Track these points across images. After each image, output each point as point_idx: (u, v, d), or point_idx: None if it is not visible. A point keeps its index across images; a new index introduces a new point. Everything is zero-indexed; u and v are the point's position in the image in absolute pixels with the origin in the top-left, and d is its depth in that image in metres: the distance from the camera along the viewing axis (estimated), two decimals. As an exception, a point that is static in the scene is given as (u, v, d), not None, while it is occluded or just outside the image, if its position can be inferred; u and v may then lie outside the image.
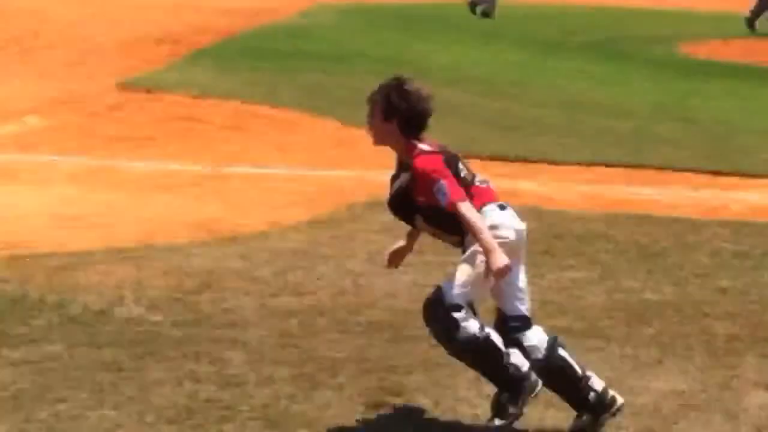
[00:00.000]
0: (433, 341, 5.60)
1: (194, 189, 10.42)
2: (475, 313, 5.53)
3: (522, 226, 5.70)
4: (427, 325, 5.56)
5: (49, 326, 6.74)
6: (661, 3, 25.20)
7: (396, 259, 5.93)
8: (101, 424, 5.50)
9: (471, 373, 5.77)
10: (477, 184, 5.69)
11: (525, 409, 5.50)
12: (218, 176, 10.90)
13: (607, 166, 11.74)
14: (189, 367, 6.17)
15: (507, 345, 5.55)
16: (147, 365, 6.11)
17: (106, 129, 12.61)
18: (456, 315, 5.47)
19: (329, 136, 12.48)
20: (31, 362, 6.20)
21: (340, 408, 5.76)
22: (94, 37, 18.26)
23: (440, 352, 5.66)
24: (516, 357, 5.55)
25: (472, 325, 5.47)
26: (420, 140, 5.67)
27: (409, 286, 7.56)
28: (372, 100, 5.72)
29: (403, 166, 5.70)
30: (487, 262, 5.38)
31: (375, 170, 10.99)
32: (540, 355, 5.60)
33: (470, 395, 5.94)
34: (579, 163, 11.81)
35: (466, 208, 5.48)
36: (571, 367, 5.66)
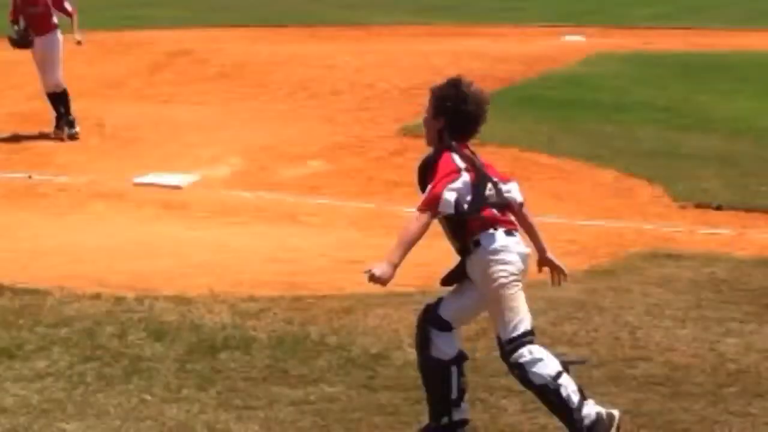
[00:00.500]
0: (710, 398, 5.45)
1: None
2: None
3: (526, 250, 5.79)
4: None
5: (329, 367, 6.89)
6: None
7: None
8: (377, 466, 5.57)
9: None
10: (494, 209, 5.76)
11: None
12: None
13: None
14: (464, 414, 6.17)
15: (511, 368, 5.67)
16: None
17: (387, 174, 12.86)
18: (433, 331, 5.70)
19: (607, 185, 12.36)
20: (310, 402, 6.35)
21: (615, 463, 5.66)
22: (378, 83, 18.73)
23: (720, 410, 5.49)
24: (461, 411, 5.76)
25: (443, 349, 5.65)
26: (460, 149, 5.78)
27: (687, 341, 7.38)
28: (430, 96, 5.81)
29: None
30: (375, 265, 5.65)
31: (654, 222, 10.83)
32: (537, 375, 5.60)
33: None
34: None
35: (415, 217, 5.70)
36: (564, 396, 5.59)
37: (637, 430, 6.06)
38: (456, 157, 5.78)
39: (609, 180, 12.48)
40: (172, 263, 9.23)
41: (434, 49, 22.40)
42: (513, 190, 5.95)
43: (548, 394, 5.62)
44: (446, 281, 6.03)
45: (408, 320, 7.77)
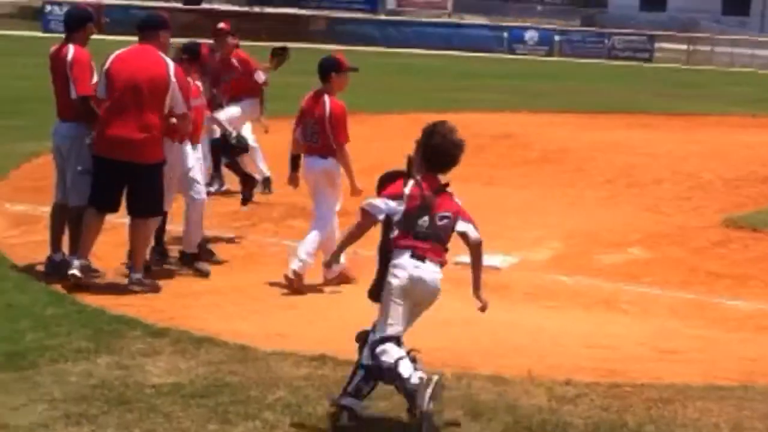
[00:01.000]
0: None
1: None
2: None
3: (421, 275, 7.07)
4: None
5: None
6: None
7: None
8: None
9: None
10: (417, 237, 7.08)
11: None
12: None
13: None
14: None
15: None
16: None
17: (709, 265, 12.60)
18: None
19: None
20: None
21: None
22: (701, 173, 18.43)
23: None
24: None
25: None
26: (422, 181, 7.17)
27: None
28: None
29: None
30: None
31: None
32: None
33: None
34: None
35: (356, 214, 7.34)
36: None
37: None
38: (409, 185, 7.15)
39: None
40: (490, 343, 9.33)
41: (762, 141, 21.86)
42: (468, 230, 7.39)
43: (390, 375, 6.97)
44: (372, 294, 7.34)
45: (729, 414, 7.57)
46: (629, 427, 7.25)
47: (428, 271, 7.15)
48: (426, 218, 7.12)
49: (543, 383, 8.17)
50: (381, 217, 7.15)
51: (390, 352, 7.05)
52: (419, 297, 7.20)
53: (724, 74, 49.04)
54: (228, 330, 9.12)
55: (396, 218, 7.11)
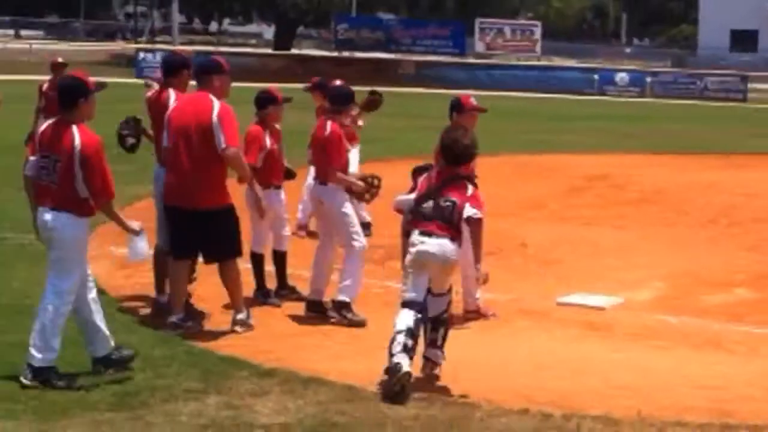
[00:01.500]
0: None
1: None
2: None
3: (425, 248, 8.75)
4: None
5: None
6: None
7: None
8: None
9: None
10: (426, 220, 8.83)
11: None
12: None
13: None
14: None
15: None
16: None
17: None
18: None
19: None
20: None
21: None
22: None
23: None
24: None
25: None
26: (440, 171, 9.07)
27: None
28: None
29: None
30: None
31: None
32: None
33: None
34: None
35: None
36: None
37: None
38: (421, 179, 9.13)
39: None
40: (598, 383, 9.24)
41: None
42: (466, 210, 8.77)
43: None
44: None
45: None
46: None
47: (433, 244, 8.77)
48: (430, 203, 8.85)
49: (654, 423, 8.10)
50: (399, 207, 9.26)
51: (399, 319, 8.76)
52: (431, 266, 8.83)
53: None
54: (335, 370, 9.15)
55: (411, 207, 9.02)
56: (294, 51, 74.16)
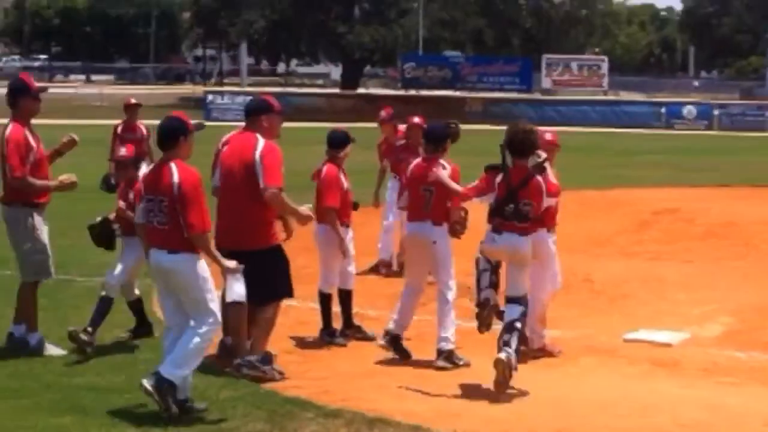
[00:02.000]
0: None
1: None
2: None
3: (494, 246, 10.18)
4: None
5: None
6: None
7: None
8: None
9: None
10: (502, 217, 10.05)
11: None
12: None
13: None
14: None
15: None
16: None
17: None
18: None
19: None
20: None
21: None
22: None
23: None
24: None
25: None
26: (511, 167, 10.11)
27: None
28: None
29: None
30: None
31: None
32: None
33: None
34: None
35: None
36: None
37: None
38: (498, 178, 10.17)
39: None
40: (666, 421, 9.14)
41: None
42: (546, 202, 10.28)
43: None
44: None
45: None
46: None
47: (505, 240, 10.00)
48: (511, 206, 9.97)
49: (726, 461, 8.01)
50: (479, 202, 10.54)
51: (481, 279, 10.38)
52: (509, 260, 10.19)
53: None
54: (400, 410, 9.14)
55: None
56: (361, 90, 74.52)
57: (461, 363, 10.71)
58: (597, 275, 15.18)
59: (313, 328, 11.83)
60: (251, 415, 8.93)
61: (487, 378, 9.89)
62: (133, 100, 19.86)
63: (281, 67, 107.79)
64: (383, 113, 15.93)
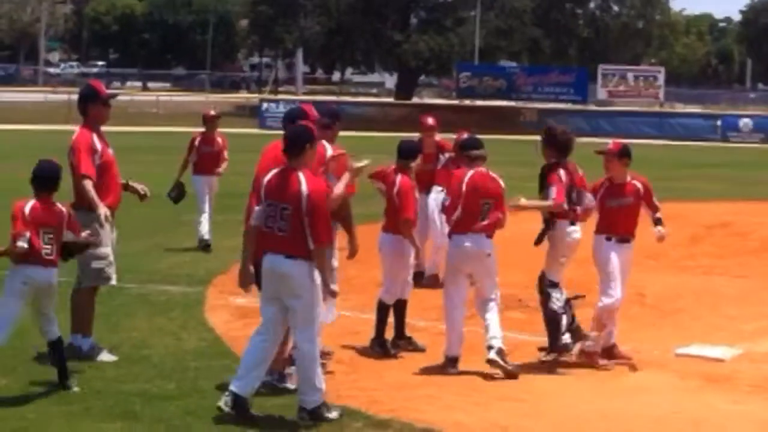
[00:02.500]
0: None
1: None
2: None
3: (569, 238, 11.28)
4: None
5: None
6: None
7: None
8: None
9: None
10: (578, 210, 11.29)
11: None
12: None
13: None
14: None
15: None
16: None
17: None
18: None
19: None
20: None
21: None
22: None
23: None
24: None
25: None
26: (563, 165, 11.24)
27: None
28: None
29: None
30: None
31: None
32: None
33: None
34: None
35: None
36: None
37: None
38: (561, 173, 11.12)
39: None
40: (717, 436, 9.09)
41: None
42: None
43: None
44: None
45: None
46: None
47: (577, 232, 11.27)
48: (575, 195, 11.17)
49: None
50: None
51: (554, 295, 11.14)
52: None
53: None
54: (449, 421, 9.14)
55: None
56: (415, 100, 74.60)
57: (510, 367, 10.69)
58: (649, 289, 15.09)
59: (363, 338, 11.84)
60: (299, 424, 8.95)
61: (535, 392, 9.86)
62: (212, 112, 19.14)
63: (336, 76, 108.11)
64: (430, 121, 15.72)
